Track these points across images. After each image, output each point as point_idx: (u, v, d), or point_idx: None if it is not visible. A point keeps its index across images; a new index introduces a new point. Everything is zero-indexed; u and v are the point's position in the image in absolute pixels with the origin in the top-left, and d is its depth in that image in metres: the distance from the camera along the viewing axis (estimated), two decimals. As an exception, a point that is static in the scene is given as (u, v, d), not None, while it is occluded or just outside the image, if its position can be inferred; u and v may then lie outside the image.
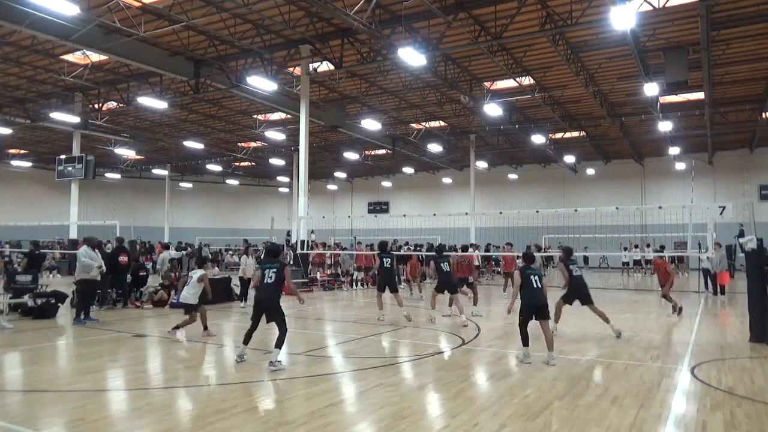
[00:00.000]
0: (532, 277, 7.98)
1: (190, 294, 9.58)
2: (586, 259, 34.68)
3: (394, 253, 14.11)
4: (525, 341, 7.85)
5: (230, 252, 35.97)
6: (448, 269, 11.94)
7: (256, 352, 8.17)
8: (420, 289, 15.39)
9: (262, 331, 10.58)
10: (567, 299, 10.12)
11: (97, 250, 12.15)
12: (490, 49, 18.20)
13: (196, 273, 9.80)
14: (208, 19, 16.39)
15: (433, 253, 13.19)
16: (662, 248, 15.05)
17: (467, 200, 35.56)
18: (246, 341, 7.64)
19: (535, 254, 9.94)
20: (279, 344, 7.34)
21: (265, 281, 7.63)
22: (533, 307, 7.85)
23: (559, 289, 22.48)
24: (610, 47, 18.85)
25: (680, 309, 12.77)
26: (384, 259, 12.19)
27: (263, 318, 7.65)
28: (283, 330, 7.43)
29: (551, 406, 5.85)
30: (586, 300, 9.93)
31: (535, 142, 28.43)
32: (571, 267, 10.11)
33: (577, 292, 10.03)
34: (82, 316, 11.42)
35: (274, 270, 7.63)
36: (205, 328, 9.91)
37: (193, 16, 15.75)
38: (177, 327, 9.56)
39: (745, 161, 34.55)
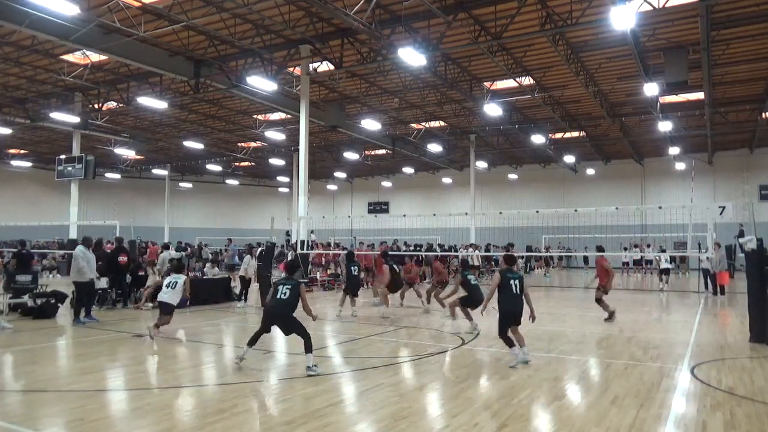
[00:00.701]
0: (512, 281, 7.80)
1: (173, 298, 9.92)
2: (586, 259, 34.71)
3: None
4: (510, 344, 7.70)
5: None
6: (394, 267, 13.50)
7: (256, 353, 8.17)
8: (418, 294, 15.06)
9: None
10: (465, 303, 10.68)
11: (91, 250, 12.08)
12: (490, 49, 18.19)
13: (180, 278, 10.08)
14: (208, 19, 16.39)
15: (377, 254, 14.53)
16: (597, 249, 13.83)
17: (467, 200, 35.57)
18: (251, 343, 7.46)
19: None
20: (308, 349, 7.18)
21: (279, 296, 7.42)
22: (512, 315, 7.71)
23: (559, 289, 22.49)
24: (610, 47, 18.85)
25: (612, 313, 12.15)
26: (351, 267, 13.13)
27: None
28: (306, 337, 7.24)
29: (551, 406, 5.85)
30: (477, 305, 9.85)
31: (535, 142, 28.43)
32: (469, 277, 10.62)
33: (473, 299, 10.38)
34: (82, 316, 11.40)
35: (289, 287, 7.45)
36: (157, 326, 9.73)
37: (193, 16, 15.75)
38: (157, 326, 9.59)
39: (745, 161, 34.55)
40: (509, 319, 7.71)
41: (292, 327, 7.36)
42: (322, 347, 9.12)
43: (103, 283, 13.30)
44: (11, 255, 14.81)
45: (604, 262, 12.50)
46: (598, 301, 12.31)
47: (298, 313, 7.35)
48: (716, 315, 13.91)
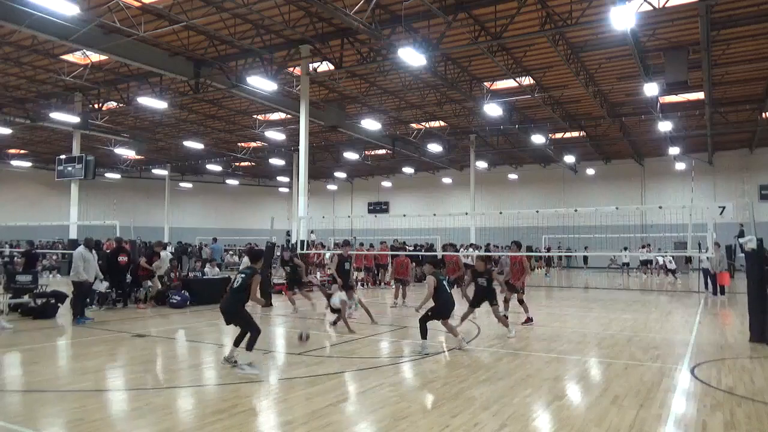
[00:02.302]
0: (444, 282, 8.67)
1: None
2: (585, 259, 34.71)
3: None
4: (425, 335, 8.47)
5: (230, 252, 35.98)
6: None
7: (256, 353, 8.16)
8: (404, 294, 15.21)
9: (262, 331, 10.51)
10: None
11: (93, 251, 12.08)
12: (490, 49, 18.19)
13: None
14: (208, 19, 16.39)
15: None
16: (516, 246, 12.30)
17: (467, 200, 35.54)
18: (236, 343, 7.48)
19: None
20: (249, 346, 7.10)
21: (231, 285, 7.45)
22: (447, 310, 8.57)
23: (559, 289, 22.43)
24: (610, 47, 18.84)
25: (530, 319, 11.49)
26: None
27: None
28: (251, 332, 7.17)
29: (551, 406, 5.85)
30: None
31: (535, 142, 28.41)
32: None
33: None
34: (79, 316, 11.40)
35: (243, 276, 7.36)
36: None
37: (193, 16, 15.75)
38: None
39: (745, 161, 34.54)
40: (443, 314, 8.57)
41: (234, 320, 7.38)
42: (322, 347, 9.12)
43: (102, 287, 13.30)
44: (20, 254, 14.80)
45: (524, 259, 11.94)
46: (521, 302, 11.56)
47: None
48: (716, 315, 13.91)
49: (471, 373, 7.46)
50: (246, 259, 15.01)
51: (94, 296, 13.41)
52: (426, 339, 8.48)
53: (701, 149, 32.89)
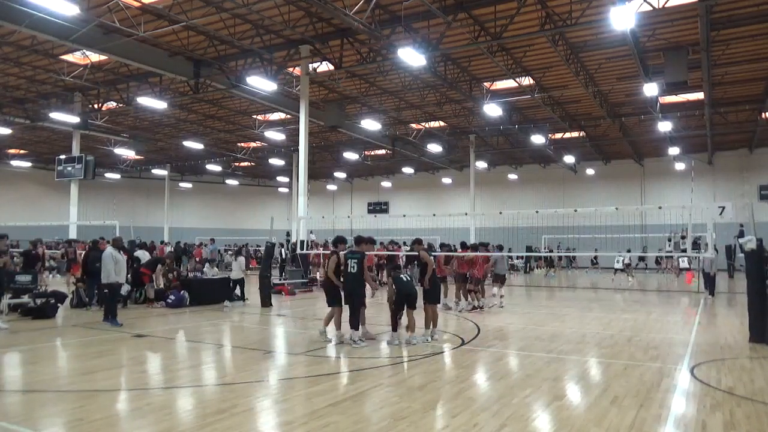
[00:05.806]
0: (402, 277, 9.21)
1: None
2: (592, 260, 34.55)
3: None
4: (396, 327, 9.01)
5: (230, 252, 36.00)
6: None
7: (257, 352, 8.18)
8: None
9: (260, 331, 10.56)
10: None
11: (122, 252, 11.94)
12: (490, 50, 18.18)
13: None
14: (207, 19, 16.39)
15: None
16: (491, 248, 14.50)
17: (467, 200, 35.56)
18: (355, 326, 8.86)
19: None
20: (356, 325, 8.69)
21: (348, 270, 8.68)
22: (406, 297, 9.01)
23: (556, 289, 22.44)
24: (610, 47, 18.84)
25: (480, 308, 13.59)
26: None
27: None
28: (355, 313, 8.72)
29: (551, 406, 5.86)
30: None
31: (535, 142, 28.41)
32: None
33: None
34: (110, 318, 11.13)
35: (355, 261, 8.64)
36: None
37: (193, 16, 15.75)
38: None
39: (744, 161, 34.54)
40: (403, 299, 8.99)
41: (355, 296, 8.74)
42: (322, 347, 9.12)
43: (125, 289, 13.27)
44: (21, 254, 14.80)
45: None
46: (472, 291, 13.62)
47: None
48: (716, 315, 13.92)
49: (471, 373, 7.46)
50: (241, 258, 15.35)
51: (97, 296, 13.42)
52: (397, 331, 9.02)
53: (701, 149, 32.90)
